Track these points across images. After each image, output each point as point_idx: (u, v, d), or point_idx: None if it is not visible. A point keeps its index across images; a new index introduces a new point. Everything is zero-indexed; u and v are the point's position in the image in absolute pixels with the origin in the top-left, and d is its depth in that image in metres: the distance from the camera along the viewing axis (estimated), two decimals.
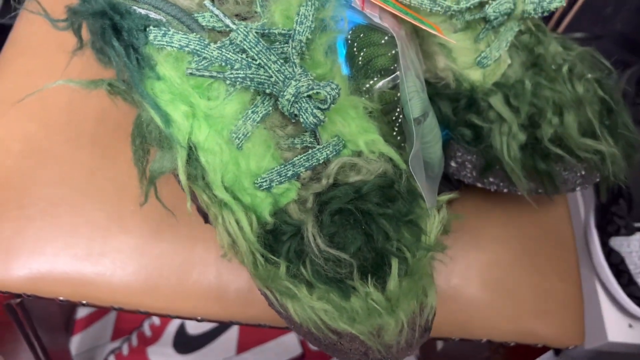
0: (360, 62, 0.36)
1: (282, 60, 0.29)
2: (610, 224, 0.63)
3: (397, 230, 0.30)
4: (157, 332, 0.87)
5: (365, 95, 0.34)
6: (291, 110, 0.29)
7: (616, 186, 0.62)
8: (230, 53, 0.29)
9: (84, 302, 0.41)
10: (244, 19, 0.30)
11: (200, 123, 0.30)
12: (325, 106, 0.28)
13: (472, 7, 0.36)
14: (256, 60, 0.29)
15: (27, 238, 0.40)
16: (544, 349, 0.46)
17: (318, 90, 0.28)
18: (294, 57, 0.29)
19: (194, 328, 0.88)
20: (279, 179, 0.30)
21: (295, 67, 0.29)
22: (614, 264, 0.62)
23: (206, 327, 0.87)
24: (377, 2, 0.33)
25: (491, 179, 0.40)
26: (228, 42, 0.29)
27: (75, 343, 0.86)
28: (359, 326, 0.30)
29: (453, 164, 0.40)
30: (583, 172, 0.39)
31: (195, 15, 0.29)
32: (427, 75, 0.38)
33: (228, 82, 0.29)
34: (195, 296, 0.42)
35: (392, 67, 0.33)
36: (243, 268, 0.42)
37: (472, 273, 0.44)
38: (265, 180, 0.30)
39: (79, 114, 0.44)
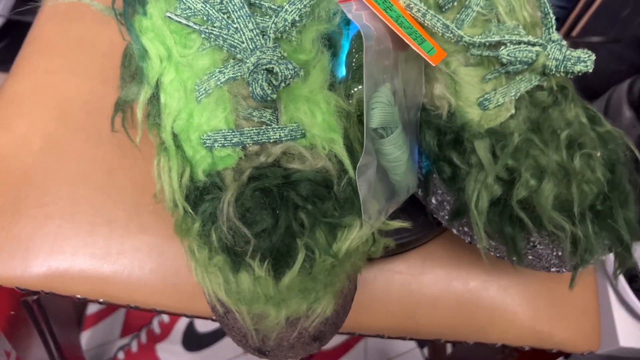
0: (354, 66, 0.37)
1: (258, 31, 0.29)
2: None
3: (311, 229, 0.30)
4: (166, 330, 0.88)
5: (350, 100, 0.34)
6: (248, 79, 0.29)
7: None
8: (213, 10, 0.29)
9: (101, 300, 0.41)
10: None
11: (171, 67, 0.31)
12: (277, 83, 0.29)
13: (487, 44, 0.34)
14: (235, 24, 0.29)
15: (46, 236, 0.40)
16: (559, 354, 0.46)
17: (273, 66, 0.28)
18: (271, 31, 0.30)
19: (202, 326, 0.88)
20: (222, 142, 0.30)
21: (269, 41, 0.29)
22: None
23: (215, 325, 0.88)
24: (375, 9, 0.32)
25: (466, 229, 0.37)
26: (215, 0, 0.30)
27: (85, 339, 0.86)
28: (241, 305, 0.30)
29: (433, 200, 0.38)
30: (559, 253, 0.35)
31: None
32: (425, 100, 0.36)
33: (203, 35, 0.30)
34: None
35: (384, 76, 0.33)
36: None
37: (490, 277, 0.43)
38: (210, 139, 0.30)
39: (99, 112, 0.44)
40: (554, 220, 0.33)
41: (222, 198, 0.30)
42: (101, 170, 0.42)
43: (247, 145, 0.31)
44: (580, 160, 0.34)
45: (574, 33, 0.74)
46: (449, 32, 0.33)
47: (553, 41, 0.34)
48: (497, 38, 0.33)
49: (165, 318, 0.88)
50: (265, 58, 0.29)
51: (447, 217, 0.37)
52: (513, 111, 0.35)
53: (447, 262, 0.44)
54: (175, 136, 0.31)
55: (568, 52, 0.33)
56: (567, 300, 0.44)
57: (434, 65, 0.32)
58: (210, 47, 0.30)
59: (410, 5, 0.33)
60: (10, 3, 0.95)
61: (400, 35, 0.31)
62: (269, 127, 0.31)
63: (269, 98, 0.29)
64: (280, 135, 0.31)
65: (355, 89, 0.35)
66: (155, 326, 0.88)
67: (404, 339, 0.46)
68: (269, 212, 0.30)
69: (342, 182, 0.32)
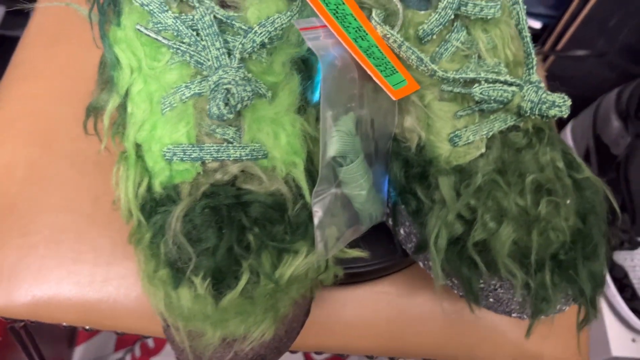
0: None
1: (225, 50, 0.30)
2: (613, 237, 0.63)
3: (257, 251, 0.30)
4: (160, 344, 0.87)
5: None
6: (209, 97, 0.30)
7: (620, 199, 0.62)
8: (183, 26, 0.30)
9: (87, 327, 0.41)
10: (227, 5, 0.31)
11: (140, 78, 0.31)
12: (234, 103, 0.29)
13: (462, 80, 0.33)
14: (203, 41, 0.30)
15: (30, 265, 0.40)
16: None
17: (230, 87, 0.29)
18: (237, 51, 0.30)
19: None
20: (181, 156, 0.31)
21: (234, 61, 0.30)
22: (618, 278, 0.62)
23: None
24: (342, 38, 0.31)
25: (430, 263, 0.36)
26: (187, 16, 0.30)
27: (79, 353, 0.86)
28: (179, 321, 0.31)
29: (402, 231, 0.37)
30: (520, 299, 0.34)
31: None
32: (397, 131, 0.36)
33: (172, 50, 0.30)
34: None
35: (348, 105, 0.33)
36: None
37: (473, 316, 0.43)
38: (170, 152, 0.31)
39: (83, 139, 0.43)
40: (507, 266, 0.33)
41: (172, 212, 0.30)
42: (86, 197, 0.42)
43: (207, 161, 0.31)
44: (546, 207, 0.33)
45: (564, 40, 0.74)
46: (423, 65, 0.32)
47: (531, 82, 0.33)
48: (472, 75, 0.33)
49: None
50: (226, 78, 0.29)
51: (412, 250, 0.37)
52: (483, 150, 0.34)
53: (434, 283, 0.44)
54: (138, 146, 0.32)
55: (544, 95, 0.32)
56: (556, 318, 0.44)
57: (394, 99, 0.31)
58: (179, 62, 0.31)
59: (387, 36, 0.33)
60: None
61: (364, 66, 0.31)
62: (230, 145, 0.31)
63: (225, 118, 0.29)
64: (240, 154, 0.31)
65: (338, 109, 0.35)
66: (150, 340, 0.87)
67: (392, 359, 0.46)
68: (215, 230, 0.30)
69: (296, 207, 0.32)
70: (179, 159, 0.31)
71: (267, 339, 0.31)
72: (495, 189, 0.33)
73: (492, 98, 0.33)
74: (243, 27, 0.31)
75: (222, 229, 0.30)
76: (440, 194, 0.34)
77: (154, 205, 0.31)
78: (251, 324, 0.30)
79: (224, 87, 0.29)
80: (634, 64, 0.75)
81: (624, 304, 0.62)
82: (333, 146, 0.31)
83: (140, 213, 0.32)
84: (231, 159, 0.31)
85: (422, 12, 0.33)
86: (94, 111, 0.34)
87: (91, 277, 0.40)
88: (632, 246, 0.61)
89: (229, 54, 0.30)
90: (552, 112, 0.32)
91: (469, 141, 0.34)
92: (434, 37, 0.33)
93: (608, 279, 0.63)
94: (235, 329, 0.30)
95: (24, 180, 0.42)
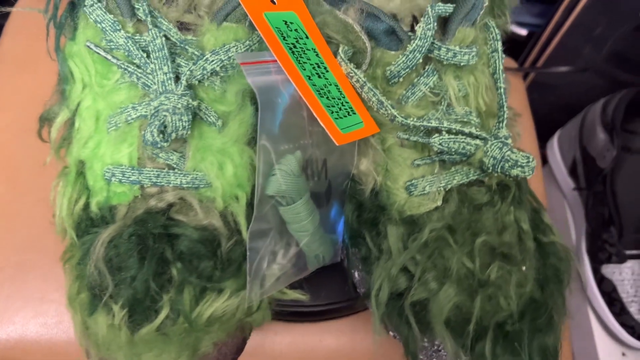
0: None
1: (172, 75, 0.29)
2: (601, 251, 0.62)
3: (179, 287, 0.29)
4: None
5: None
6: (148, 122, 0.29)
7: (607, 213, 0.62)
8: (134, 47, 0.29)
9: None
10: (187, 29, 0.31)
11: (90, 94, 0.31)
12: (169, 132, 0.29)
13: (423, 128, 0.32)
14: (152, 64, 0.29)
15: None
16: None
17: (167, 115, 0.28)
18: (184, 78, 0.29)
19: None
20: (120, 177, 0.30)
21: (180, 87, 0.29)
22: (606, 292, 0.61)
23: None
24: (292, 75, 0.30)
25: None
26: (140, 37, 0.30)
27: None
28: (94, 348, 0.30)
29: (356, 275, 0.36)
30: None
31: (134, 2, 0.29)
32: (355, 172, 0.35)
33: (120, 70, 0.30)
34: None
35: (296, 143, 0.32)
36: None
37: None
38: (109, 172, 0.30)
39: (49, 173, 0.43)
40: (442, 333, 0.31)
41: (99, 236, 0.29)
42: (52, 234, 0.41)
43: (145, 185, 0.30)
44: (497, 271, 0.31)
45: (549, 50, 0.74)
46: (383, 108, 0.31)
47: (497, 138, 0.32)
48: (434, 124, 0.31)
49: None
50: (166, 104, 0.28)
51: (363, 295, 0.36)
52: (439, 203, 0.32)
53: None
54: (81, 163, 0.31)
55: (508, 152, 0.31)
56: None
57: (336, 144, 0.30)
58: (128, 82, 0.30)
59: (351, 74, 0.32)
60: None
61: (309, 106, 0.30)
62: (171, 171, 0.30)
63: (159, 145, 0.29)
64: (181, 182, 0.30)
65: (281, 148, 0.34)
66: None
67: None
68: (136, 260, 0.29)
69: (229, 243, 0.31)
70: (117, 180, 0.30)
71: None
72: (443, 247, 0.32)
73: (453, 150, 0.31)
74: (196, 52, 0.30)
75: (144, 259, 0.29)
76: (387, 244, 0.33)
77: (89, 225, 0.31)
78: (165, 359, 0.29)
79: (163, 113, 0.28)
80: (621, 72, 0.74)
81: (613, 319, 0.61)
82: (272, 185, 0.30)
83: (75, 231, 0.31)
84: (171, 185, 0.30)
85: (393, 52, 0.31)
86: (45, 122, 0.34)
87: (58, 318, 0.39)
88: (620, 260, 0.60)
89: (177, 79, 0.30)
90: (513, 172, 0.31)
91: (425, 192, 0.32)
92: (401, 79, 0.32)
93: (597, 292, 0.62)
94: None
95: None
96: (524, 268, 0.32)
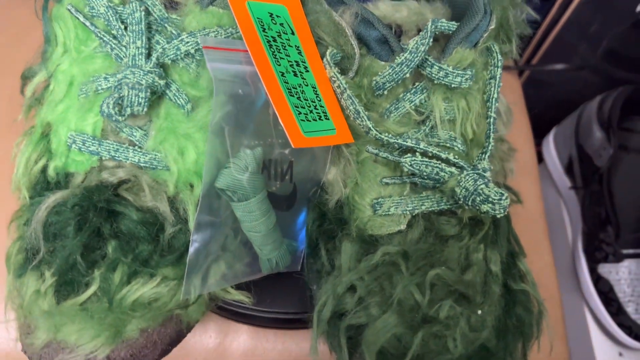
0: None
1: (145, 50, 0.29)
2: (598, 250, 0.62)
3: (111, 264, 0.29)
4: None
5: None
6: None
7: (604, 212, 0.61)
8: (114, 17, 0.30)
9: None
10: (173, 7, 0.31)
11: (67, 58, 0.31)
12: (124, 106, 0.29)
13: (397, 146, 0.30)
14: (127, 37, 0.29)
15: None
16: None
17: (125, 89, 0.28)
18: (155, 55, 0.30)
19: None
20: (80, 146, 0.30)
21: (148, 63, 0.29)
22: (603, 291, 0.61)
23: None
24: (262, 71, 0.29)
25: None
26: (122, 8, 0.30)
27: None
28: (18, 309, 0.30)
29: (314, 286, 0.35)
30: None
31: None
32: (324, 180, 0.33)
33: (96, 37, 0.30)
34: (196, 358, 0.40)
35: (260, 141, 0.32)
36: (243, 330, 0.41)
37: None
38: (71, 138, 0.30)
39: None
40: None
41: (45, 200, 0.29)
42: None
43: (104, 158, 0.30)
44: (449, 310, 0.29)
45: (544, 46, 0.74)
46: (360, 118, 0.30)
47: (475, 169, 0.30)
48: (410, 143, 0.30)
49: None
50: (129, 79, 0.28)
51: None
52: (403, 227, 0.31)
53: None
54: (48, 125, 0.31)
55: (482, 186, 0.29)
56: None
57: (292, 145, 0.29)
58: (105, 52, 0.31)
59: (333, 79, 0.30)
60: None
61: (271, 101, 0.29)
62: (131, 147, 0.30)
63: (113, 119, 0.29)
64: (139, 160, 0.30)
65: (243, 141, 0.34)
66: None
67: None
68: (74, 231, 0.29)
69: (173, 230, 0.30)
70: (77, 148, 0.30)
71: (100, 358, 0.29)
72: (393, 273, 0.30)
73: (425, 174, 0.30)
74: (174, 32, 0.30)
75: (80, 231, 0.29)
76: (340, 260, 0.31)
77: (44, 188, 0.31)
78: (83, 336, 0.28)
79: (123, 87, 0.28)
80: (617, 69, 0.74)
81: (610, 319, 0.61)
82: (223, 178, 0.30)
83: (29, 192, 0.31)
84: (129, 161, 0.30)
85: (383, 62, 0.30)
86: (25, 80, 0.34)
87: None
88: (617, 259, 0.60)
89: (147, 56, 0.30)
90: (483, 207, 0.29)
91: (389, 213, 0.31)
92: (386, 92, 0.31)
93: (593, 292, 0.62)
94: (67, 336, 0.29)
95: None
96: (479, 312, 0.30)
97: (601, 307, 0.62)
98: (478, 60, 0.31)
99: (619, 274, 0.61)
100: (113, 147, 0.30)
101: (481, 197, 0.29)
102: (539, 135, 0.74)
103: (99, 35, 0.30)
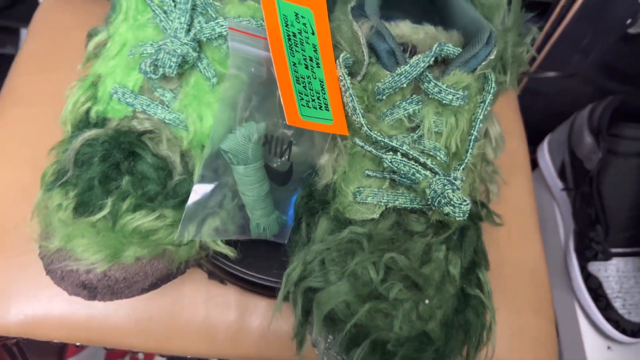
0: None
1: (186, 27, 0.34)
2: (588, 249, 0.64)
3: (122, 194, 0.34)
4: (150, 356, 0.88)
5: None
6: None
7: (593, 212, 0.64)
8: None
9: (78, 344, 0.43)
10: None
11: (125, 24, 0.36)
12: (159, 66, 0.34)
13: (383, 144, 0.33)
14: (174, 13, 0.35)
15: (21, 285, 0.42)
16: None
17: (161, 53, 0.34)
18: (193, 31, 0.35)
19: None
20: (120, 97, 0.35)
21: (186, 37, 0.34)
22: (593, 288, 0.63)
23: None
24: (274, 55, 0.32)
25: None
26: None
27: None
28: (39, 215, 0.35)
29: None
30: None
31: None
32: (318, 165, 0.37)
33: (151, 10, 0.35)
34: (185, 335, 0.43)
35: (268, 119, 0.36)
36: (231, 308, 0.44)
37: None
38: (114, 90, 0.36)
39: None
40: (318, 321, 0.32)
41: (83, 134, 0.35)
42: None
43: (137, 110, 0.35)
44: (398, 293, 0.31)
45: (540, 57, 0.77)
46: (355, 114, 0.34)
47: (447, 176, 0.33)
48: (394, 143, 0.33)
49: None
50: (167, 46, 0.34)
51: None
52: (375, 216, 0.34)
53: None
54: (99, 76, 0.37)
55: (448, 190, 0.32)
56: (525, 332, 0.46)
57: (287, 122, 0.32)
58: (155, 23, 0.36)
59: (340, 78, 0.34)
60: None
61: (278, 81, 0.33)
62: (160, 105, 0.35)
63: (148, 75, 0.34)
64: (165, 116, 0.35)
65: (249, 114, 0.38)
66: (140, 354, 0.88)
67: None
68: (97, 161, 0.34)
69: (179, 179, 0.35)
70: (117, 98, 0.35)
71: (98, 272, 0.33)
72: (356, 249, 0.33)
73: (402, 172, 0.33)
74: (213, 15, 0.35)
75: (103, 163, 0.34)
76: (315, 234, 0.35)
77: (84, 126, 0.36)
78: (88, 250, 0.33)
79: (160, 51, 0.34)
80: (607, 80, 0.77)
81: (598, 313, 0.63)
82: (228, 141, 0.34)
83: (72, 128, 0.37)
84: (156, 116, 0.35)
85: (387, 71, 0.34)
86: (89, 37, 0.39)
87: None
88: (606, 257, 0.63)
89: (187, 31, 0.35)
90: (446, 209, 0.32)
91: (366, 201, 0.34)
92: (385, 97, 0.34)
93: (583, 288, 0.64)
94: (75, 247, 0.33)
95: (15, 202, 0.44)
96: (427, 301, 0.32)
97: (591, 303, 0.64)
98: (473, 84, 0.34)
99: (608, 271, 0.63)
100: (146, 102, 0.35)
101: (445, 200, 0.32)
102: (534, 142, 0.76)
103: (153, 8, 0.35)
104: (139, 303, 0.43)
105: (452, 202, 0.31)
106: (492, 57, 0.34)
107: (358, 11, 0.35)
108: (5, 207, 0.44)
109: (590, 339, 0.65)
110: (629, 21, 0.69)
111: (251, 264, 0.40)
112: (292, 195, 0.38)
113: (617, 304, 0.62)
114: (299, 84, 0.33)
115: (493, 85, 0.34)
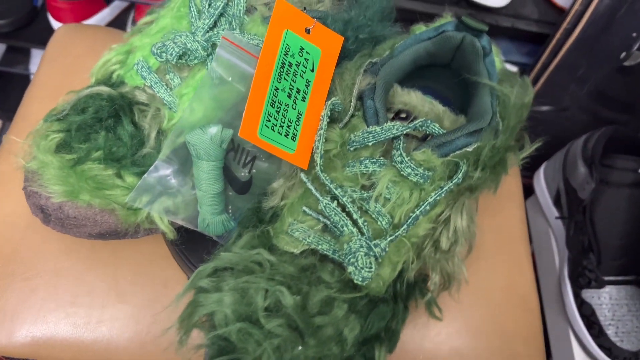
0: None
1: (207, 28, 0.39)
2: (581, 276, 0.65)
3: (94, 146, 0.39)
4: None
5: None
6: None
7: (586, 240, 0.65)
8: (206, 0, 0.40)
9: None
10: (249, 12, 0.41)
11: (170, 13, 0.42)
12: (166, 51, 0.38)
13: (328, 188, 0.35)
14: (204, 14, 0.39)
15: (30, 308, 0.43)
16: None
17: (169, 43, 0.38)
18: (209, 34, 0.39)
19: None
20: (138, 69, 0.41)
21: (203, 37, 0.39)
22: (586, 315, 0.64)
23: None
24: (258, 73, 0.35)
25: None
26: None
27: None
28: (33, 139, 0.40)
29: None
30: None
31: None
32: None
33: (189, 6, 0.41)
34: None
35: (228, 120, 0.39)
36: None
37: (442, 338, 0.46)
38: (138, 62, 0.41)
39: None
40: (188, 322, 0.34)
41: (97, 88, 0.40)
42: (84, 244, 0.45)
43: (146, 83, 0.40)
44: (274, 328, 0.32)
45: (538, 85, 0.78)
46: (317, 154, 0.35)
47: (368, 238, 0.33)
48: (337, 192, 0.34)
49: None
50: (181, 39, 0.38)
51: None
52: (296, 252, 0.35)
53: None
54: (134, 47, 0.42)
55: (359, 253, 0.32)
56: (514, 358, 0.47)
57: (239, 134, 0.34)
58: (188, 19, 0.41)
59: (321, 118, 0.36)
60: None
61: (250, 92, 0.34)
62: (166, 87, 0.40)
63: (155, 56, 0.39)
64: (164, 97, 0.40)
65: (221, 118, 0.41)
66: None
67: None
68: (91, 113, 0.39)
69: (147, 151, 0.39)
70: (136, 69, 0.41)
71: (54, 202, 0.38)
72: (255, 271, 0.34)
73: (332, 220, 0.34)
74: (234, 26, 0.40)
75: (94, 114, 0.39)
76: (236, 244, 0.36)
77: (105, 82, 0.42)
78: (51, 180, 0.38)
79: (173, 41, 0.38)
80: (602, 108, 0.79)
81: (592, 341, 0.64)
82: (192, 135, 0.37)
83: (97, 80, 0.42)
84: (158, 95, 0.40)
85: (368, 126, 0.35)
86: (149, 14, 0.45)
87: (87, 319, 0.43)
88: (599, 285, 0.63)
89: (207, 32, 0.39)
90: (349, 268, 0.32)
91: (293, 234, 0.35)
92: (353, 150, 0.35)
93: (577, 315, 0.65)
94: (44, 172, 0.38)
95: (27, 228, 0.46)
96: (299, 347, 0.32)
97: (584, 330, 0.64)
98: (439, 167, 0.34)
99: (601, 299, 0.63)
100: (155, 80, 0.40)
101: (353, 259, 0.32)
102: (531, 169, 0.78)
103: (190, 6, 0.40)
104: (142, 327, 0.44)
105: (356, 264, 0.32)
106: (469, 149, 0.35)
107: (374, 67, 0.37)
108: (17, 231, 0.46)
109: None
110: (623, 54, 0.71)
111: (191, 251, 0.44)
112: (246, 206, 0.40)
113: (609, 332, 0.63)
114: (273, 107, 0.35)
115: (460, 177, 0.35)
